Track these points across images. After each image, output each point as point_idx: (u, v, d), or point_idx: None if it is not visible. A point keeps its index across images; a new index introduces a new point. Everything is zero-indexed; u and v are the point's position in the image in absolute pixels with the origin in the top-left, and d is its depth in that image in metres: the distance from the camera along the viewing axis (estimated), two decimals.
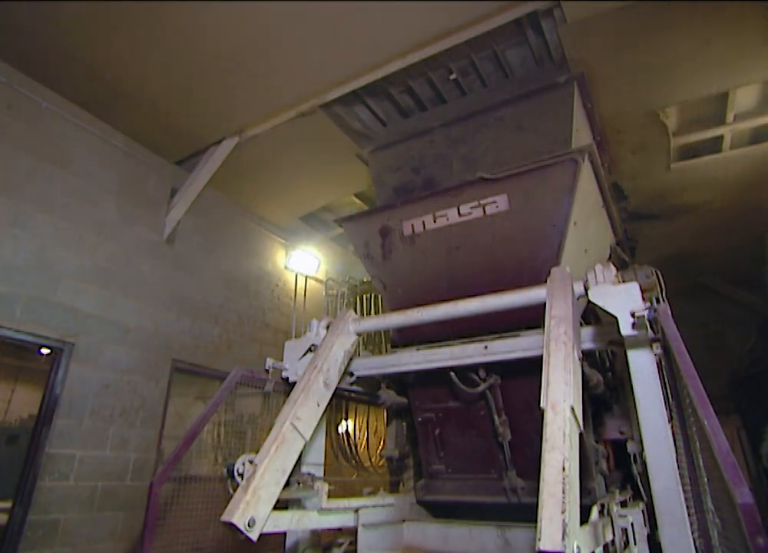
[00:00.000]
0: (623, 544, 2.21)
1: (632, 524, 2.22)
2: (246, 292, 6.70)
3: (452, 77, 4.77)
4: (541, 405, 1.84)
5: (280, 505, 2.30)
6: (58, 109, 4.90)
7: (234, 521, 1.97)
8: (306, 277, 7.57)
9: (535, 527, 1.52)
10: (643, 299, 2.42)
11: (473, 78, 4.85)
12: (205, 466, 5.16)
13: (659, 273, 3.84)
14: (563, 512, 1.50)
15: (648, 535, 2.40)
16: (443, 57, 4.50)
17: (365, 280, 5.78)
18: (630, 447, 3.31)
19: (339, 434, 4.82)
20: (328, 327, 3.12)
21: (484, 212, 3.55)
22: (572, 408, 1.83)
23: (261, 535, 2.09)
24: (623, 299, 2.41)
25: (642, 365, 2.41)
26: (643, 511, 2.62)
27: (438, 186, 4.10)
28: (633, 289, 2.44)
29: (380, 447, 5.13)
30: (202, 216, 6.25)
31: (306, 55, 4.46)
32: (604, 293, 2.47)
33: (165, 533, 2.83)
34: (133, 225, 5.39)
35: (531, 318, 2.96)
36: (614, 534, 2.19)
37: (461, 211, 3.62)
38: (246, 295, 6.68)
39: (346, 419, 4.75)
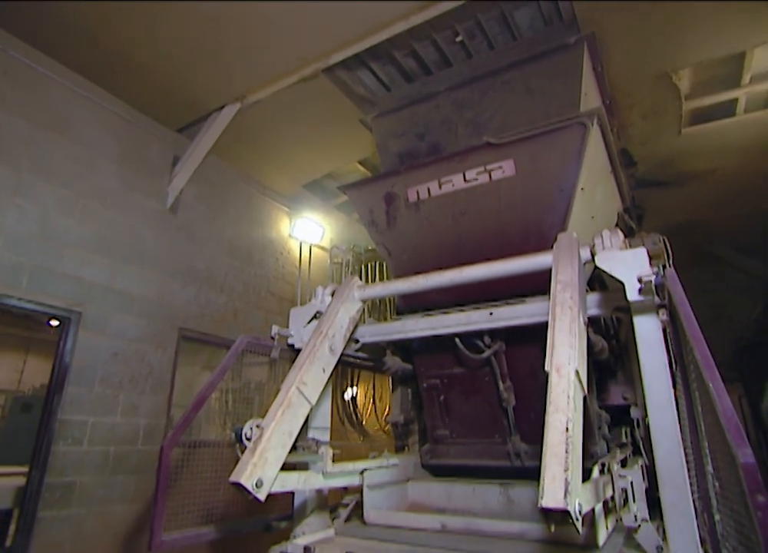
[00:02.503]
0: (622, 501, 2.25)
1: (631, 483, 2.26)
2: (251, 260, 6.71)
3: (458, 39, 4.62)
4: (546, 368, 1.85)
5: (287, 469, 2.35)
6: (56, 76, 4.81)
7: (242, 481, 2.01)
8: (311, 245, 7.56)
9: (538, 485, 1.54)
10: (651, 265, 2.40)
11: (479, 40, 4.70)
12: (214, 432, 5.27)
13: (666, 239, 3.81)
14: (565, 471, 1.52)
15: (646, 490, 2.44)
16: (449, 18, 4.35)
17: (369, 248, 5.76)
18: (634, 412, 3.35)
19: (344, 401, 4.89)
20: (333, 294, 3.12)
21: (490, 177, 3.50)
22: (577, 372, 1.83)
23: (269, 496, 2.13)
24: (630, 265, 2.39)
25: (648, 331, 2.41)
26: (642, 468, 2.67)
27: (443, 151, 4.03)
28: (640, 254, 2.42)
29: (385, 413, 5.22)
30: (205, 185, 6.20)
31: (308, 17, 4.33)
32: (610, 259, 2.45)
33: (177, 495, 2.89)
34: (135, 194, 5.35)
35: (537, 284, 2.95)
36: (613, 491, 2.23)
37: (466, 177, 3.57)
38: (250, 263, 6.68)
39: (352, 386, 4.81)
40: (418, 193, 3.70)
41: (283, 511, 3.22)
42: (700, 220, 7.77)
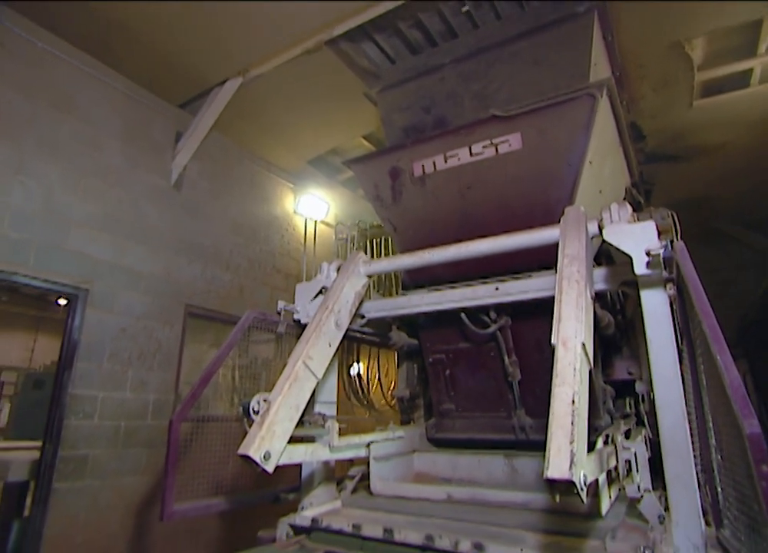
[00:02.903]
0: (626, 472, 2.28)
1: (635, 454, 2.28)
2: (256, 237, 6.70)
3: (464, 9, 4.49)
4: (552, 341, 1.84)
5: (294, 443, 2.38)
6: (56, 51, 4.74)
7: (250, 454, 2.03)
8: (316, 222, 7.53)
9: (543, 456, 1.56)
10: (659, 239, 2.38)
11: (486, 10, 4.57)
12: (222, 408, 5.35)
13: (675, 215, 3.77)
14: (571, 443, 1.52)
15: (648, 461, 2.47)
16: None
17: (375, 224, 5.73)
18: (639, 387, 3.36)
19: (351, 376, 4.94)
20: (338, 270, 3.11)
21: (497, 151, 3.44)
22: (583, 345, 1.83)
23: (277, 468, 2.17)
24: (638, 238, 2.36)
25: (655, 305, 2.40)
26: (645, 440, 2.69)
27: (449, 125, 3.97)
28: (649, 227, 2.40)
29: (391, 388, 5.27)
30: (209, 161, 6.16)
31: None
32: (618, 232, 2.43)
33: (186, 468, 2.95)
34: (139, 171, 5.33)
35: (544, 259, 2.93)
36: (617, 462, 2.26)
37: (472, 151, 3.52)
38: (255, 240, 6.68)
39: (358, 362, 4.85)
40: (423, 167, 3.66)
41: (290, 484, 3.28)
42: (708, 196, 7.66)
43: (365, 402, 5.06)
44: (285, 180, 7.39)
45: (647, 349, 2.39)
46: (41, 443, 4.41)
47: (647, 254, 2.27)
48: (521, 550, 2.06)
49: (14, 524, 4.81)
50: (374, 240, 5.64)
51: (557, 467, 1.47)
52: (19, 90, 4.46)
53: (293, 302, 3.32)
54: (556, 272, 2.25)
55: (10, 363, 12.78)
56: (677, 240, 3.34)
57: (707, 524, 2.21)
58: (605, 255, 3.12)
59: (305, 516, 2.75)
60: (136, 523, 4.75)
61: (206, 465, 3.06)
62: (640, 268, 2.33)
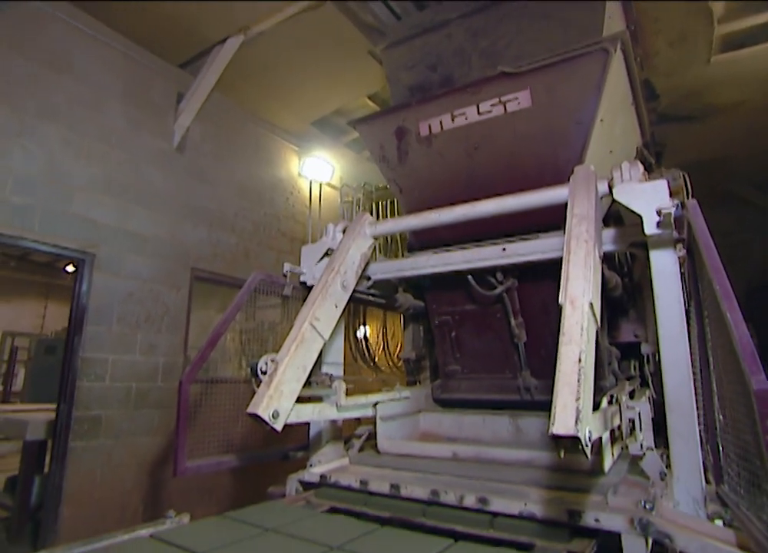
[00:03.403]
0: (629, 430, 2.31)
1: (639, 413, 2.30)
2: (261, 200, 6.65)
3: None
4: (560, 300, 1.83)
5: (302, 403, 2.41)
6: (52, 9, 4.60)
7: (259, 412, 2.06)
8: (321, 184, 7.45)
9: (548, 415, 1.57)
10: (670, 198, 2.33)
11: None
12: (230, 371, 5.43)
13: (686, 176, 3.68)
14: (577, 400, 1.53)
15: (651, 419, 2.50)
16: None
17: (380, 186, 5.66)
18: (644, 348, 3.38)
19: (357, 338, 4.99)
20: (344, 231, 3.09)
21: (505, 109, 3.35)
22: (591, 304, 1.82)
23: (285, 427, 2.20)
24: (649, 197, 2.32)
25: (664, 265, 2.38)
26: (649, 399, 2.71)
27: (456, 83, 3.85)
28: (660, 186, 2.34)
29: (397, 350, 5.33)
30: (212, 124, 6.06)
31: None
32: (629, 191, 2.38)
33: (197, 428, 3.01)
34: (141, 133, 5.25)
35: (552, 220, 2.89)
36: (621, 421, 2.28)
37: (480, 109, 3.42)
38: (260, 203, 6.64)
39: (364, 324, 4.89)
40: (430, 126, 3.57)
41: (299, 443, 3.35)
42: (721, 157, 7.48)
43: (372, 364, 5.13)
44: (289, 143, 7.27)
45: (654, 310, 2.38)
46: (55, 406, 4.52)
47: (658, 213, 2.23)
48: (525, 504, 2.10)
49: (35, 479, 5.00)
50: (380, 203, 5.58)
51: (562, 423, 1.48)
52: (15, 50, 4.35)
53: (299, 264, 3.31)
54: (564, 232, 2.22)
55: (22, 330, 13.02)
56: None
57: (707, 481, 2.25)
58: (614, 217, 3.08)
59: (313, 473, 2.82)
60: (150, 480, 4.91)
61: (216, 425, 3.12)
62: (650, 228, 2.29)
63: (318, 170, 7.41)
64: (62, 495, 4.28)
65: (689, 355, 2.29)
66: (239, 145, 6.45)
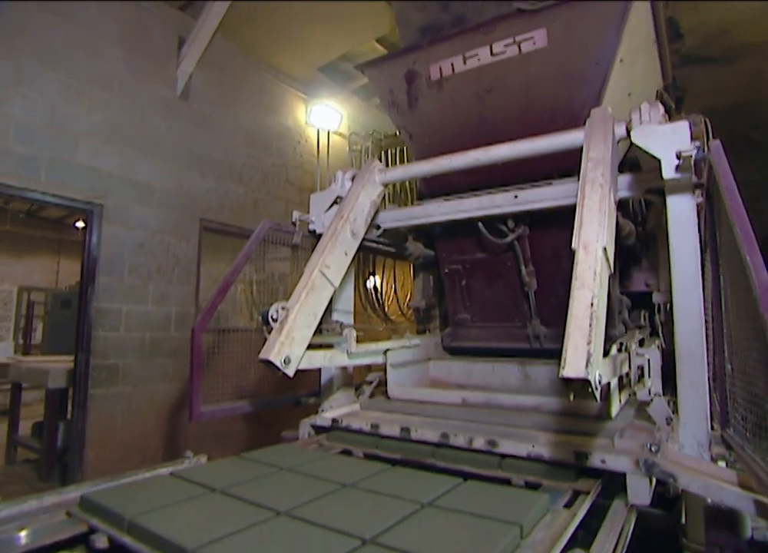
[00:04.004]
0: (637, 377, 2.32)
1: (648, 361, 2.31)
2: (268, 149, 6.54)
3: None
4: (573, 245, 1.80)
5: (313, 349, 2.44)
6: None
7: (271, 358, 2.09)
8: (329, 133, 7.29)
9: (558, 361, 1.57)
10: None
11: None
12: (242, 322, 5.51)
13: (708, 121, 3.54)
14: (588, 343, 1.53)
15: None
16: None
17: (389, 134, 5.52)
18: (656, 297, 3.36)
19: (367, 288, 5.01)
20: (353, 179, 3.03)
21: (520, 50, 3.19)
22: (604, 249, 1.78)
23: (297, 374, 2.24)
24: (669, 139, 2.23)
25: (681, 211, 2.32)
26: (659, 347, 2.72)
27: (469, 23, 3.66)
28: (681, 127, 2.25)
29: (407, 300, 5.36)
30: (216, 70, 5.88)
31: None
32: (648, 133, 2.29)
33: (211, 376, 3.08)
34: (143, 80, 5.11)
35: (566, 166, 2.81)
36: (630, 368, 2.29)
37: (493, 50, 3.26)
38: (268, 153, 6.52)
39: (373, 274, 4.89)
40: (441, 69, 3.43)
41: (310, 389, 3.43)
42: (746, 103, 7.15)
43: (382, 313, 5.17)
44: (296, 90, 7.07)
45: (669, 257, 2.34)
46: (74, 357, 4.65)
47: (678, 157, 2.15)
48: (533, 446, 2.15)
49: (60, 425, 5.22)
50: (389, 151, 5.46)
51: (573, 365, 1.49)
52: None
53: (308, 213, 3.28)
54: (579, 178, 2.16)
55: (37, 285, 13.27)
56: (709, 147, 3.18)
57: (712, 428, 2.28)
58: (629, 164, 2.98)
59: (325, 417, 2.89)
60: (168, 425, 5.09)
61: (229, 373, 3.18)
62: (668, 172, 2.22)
63: (325, 118, 7.23)
64: (86, 439, 4.46)
65: (702, 303, 2.27)
66: (244, 92, 6.28)
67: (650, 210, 3.50)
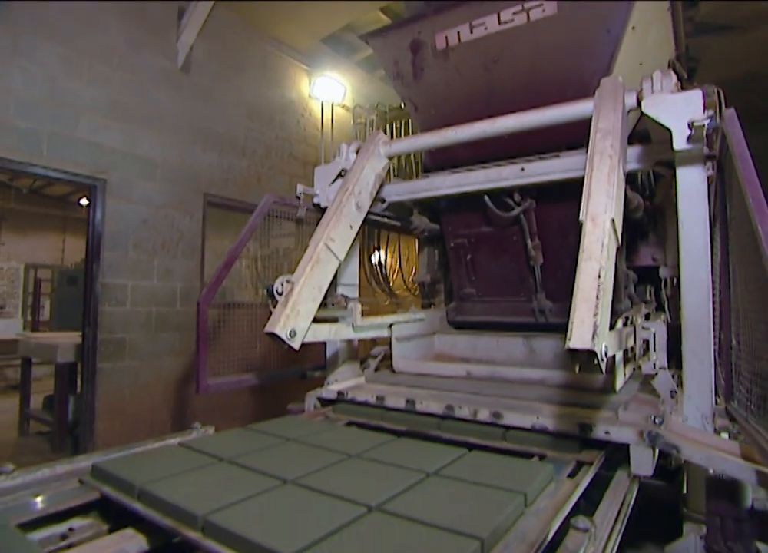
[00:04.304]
0: (642, 351, 2.32)
1: (654, 334, 2.31)
2: (272, 123, 6.45)
3: None
4: (581, 217, 1.78)
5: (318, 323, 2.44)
6: None
7: (276, 331, 2.10)
8: (333, 105, 7.18)
9: (563, 336, 1.57)
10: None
11: None
12: (247, 298, 5.53)
13: (721, 92, 3.45)
14: (595, 316, 1.52)
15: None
16: None
17: (394, 106, 5.42)
18: (662, 272, 3.34)
19: (372, 263, 5.00)
20: (357, 151, 2.99)
21: (528, 17, 3.10)
22: (612, 221, 1.76)
23: (303, 347, 2.25)
24: (681, 109, 2.18)
25: (691, 183, 2.28)
26: (664, 321, 2.71)
27: None
28: (694, 97, 2.20)
29: (412, 274, 5.35)
30: (216, 42, 5.76)
31: None
32: (660, 103, 2.23)
33: (217, 350, 3.10)
34: (143, 52, 5.01)
35: (573, 138, 2.77)
36: (635, 342, 2.29)
37: (501, 18, 3.17)
38: (271, 126, 6.44)
39: (378, 249, 4.88)
40: (447, 39, 3.34)
41: (316, 363, 3.45)
42: (761, 73, 6.97)
43: (387, 287, 5.18)
44: (299, 62, 6.93)
45: (677, 230, 2.31)
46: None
47: (690, 127, 2.10)
48: (537, 418, 2.17)
49: (70, 399, 5.31)
50: (393, 124, 5.37)
51: (579, 337, 1.48)
52: None
53: (312, 187, 3.25)
54: (587, 149, 2.12)
55: (44, 262, 13.35)
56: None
57: (716, 403, 2.29)
58: (638, 137, 2.92)
59: (331, 390, 2.92)
60: (175, 398, 5.16)
61: (235, 347, 3.20)
62: (680, 142, 2.17)
63: (329, 91, 7.10)
64: (95, 412, 4.53)
65: (710, 277, 2.25)
66: (246, 64, 6.16)
67: (659, 184, 3.45)
